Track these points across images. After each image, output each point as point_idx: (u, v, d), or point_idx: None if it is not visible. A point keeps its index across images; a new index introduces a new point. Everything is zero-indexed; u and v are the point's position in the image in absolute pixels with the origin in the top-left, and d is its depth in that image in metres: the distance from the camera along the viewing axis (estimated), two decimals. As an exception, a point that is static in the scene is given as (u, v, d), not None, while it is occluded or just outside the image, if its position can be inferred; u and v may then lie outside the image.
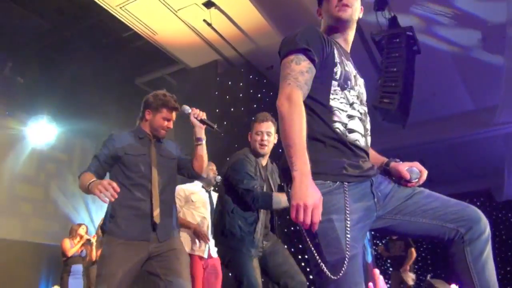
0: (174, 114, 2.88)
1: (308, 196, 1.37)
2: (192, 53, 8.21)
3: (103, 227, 2.65)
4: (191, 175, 2.91)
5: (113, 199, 2.25)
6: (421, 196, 1.70)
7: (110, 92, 8.56)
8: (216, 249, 3.10)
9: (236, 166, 3.05)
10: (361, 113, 1.77)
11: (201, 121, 2.79)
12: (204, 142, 2.84)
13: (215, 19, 7.00)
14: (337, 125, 1.64)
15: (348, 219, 1.47)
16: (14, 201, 7.93)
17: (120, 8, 6.57)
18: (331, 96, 1.67)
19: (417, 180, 1.76)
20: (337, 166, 1.57)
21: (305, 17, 7.68)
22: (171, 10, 6.76)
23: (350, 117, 1.70)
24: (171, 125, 2.85)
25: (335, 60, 1.71)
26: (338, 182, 1.54)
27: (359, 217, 1.53)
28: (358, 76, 1.86)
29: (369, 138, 1.78)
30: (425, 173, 1.79)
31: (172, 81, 9.23)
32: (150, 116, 2.80)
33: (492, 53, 8.10)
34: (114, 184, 2.24)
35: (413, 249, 7.12)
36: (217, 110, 8.49)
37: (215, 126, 2.82)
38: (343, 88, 1.71)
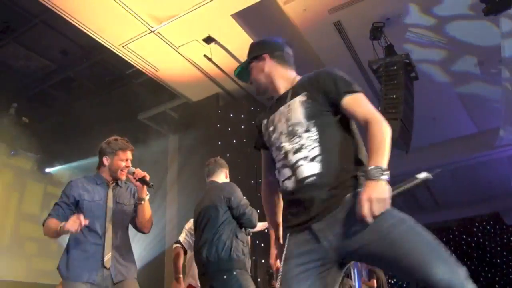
0: (129, 154, 2.99)
1: None
2: (193, 87, 8.35)
3: (58, 270, 2.69)
4: (137, 230, 2.94)
5: (80, 228, 2.45)
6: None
7: (113, 128, 8.63)
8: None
9: (237, 191, 3.23)
10: (284, 154, 1.80)
11: (140, 180, 2.82)
12: (144, 202, 2.87)
13: (215, 54, 7.16)
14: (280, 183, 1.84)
15: (283, 264, 1.68)
16: (18, 241, 7.86)
17: (123, 47, 6.75)
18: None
19: None
20: (284, 220, 1.86)
21: (303, 50, 7.87)
22: (172, 47, 6.94)
23: (278, 171, 1.83)
24: (129, 164, 2.95)
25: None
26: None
27: (301, 261, 1.64)
28: (284, 110, 1.90)
29: (302, 167, 1.73)
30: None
31: (174, 115, 9.34)
32: (108, 162, 2.92)
33: (490, 75, 8.20)
34: (81, 216, 2.42)
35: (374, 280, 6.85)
36: (219, 142, 8.53)
37: (151, 184, 2.85)
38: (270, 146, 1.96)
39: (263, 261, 7.54)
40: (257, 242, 7.65)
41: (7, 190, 8.08)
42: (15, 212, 8.04)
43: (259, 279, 7.35)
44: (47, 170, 8.65)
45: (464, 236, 17.63)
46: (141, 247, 8.12)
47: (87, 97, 7.78)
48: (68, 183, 2.88)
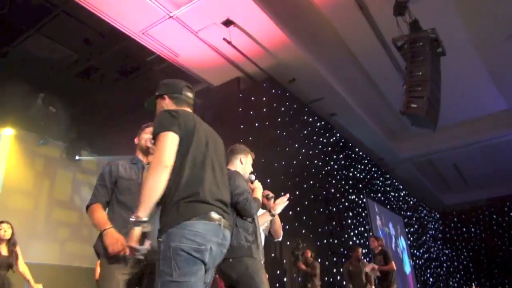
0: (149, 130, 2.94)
1: None
2: (214, 72, 8.32)
3: (96, 249, 2.62)
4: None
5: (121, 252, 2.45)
6: None
7: (136, 115, 8.75)
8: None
9: (233, 179, 3.06)
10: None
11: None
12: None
13: (234, 37, 7.09)
14: None
15: None
16: (51, 227, 8.17)
17: (143, 33, 6.77)
18: None
19: None
20: None
21: (324, 29, 7.69)
22: (191, 32, 6.91)
23: None
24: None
25: None
26: None
27: None
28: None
29: None
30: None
31: (196, 100, 9.34)
32: (137, 140, 2.95)
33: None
34: (126, 247, 2.23)
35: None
36: (241, 126, 8.52)
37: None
38: None
39: (288, 243, 7.58)
40: (281, 224, 7.68)
41: (38, 178, 8.38)
42: (47, 199, 8.34)
43: (284, 261, 7.41)
44: (75, 157, 8.90)
45: (494, 216, 17.18)
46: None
47: (110, 85, 7.88)
48: (106, 164, 2.89)
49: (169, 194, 1.99)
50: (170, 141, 2.07)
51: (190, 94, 2.53)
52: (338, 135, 10.82)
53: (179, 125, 2.15)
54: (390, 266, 6.41)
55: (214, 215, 2.01)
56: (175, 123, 2.14)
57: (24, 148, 8.19)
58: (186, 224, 1.91)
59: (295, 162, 8.51)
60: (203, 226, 1.94)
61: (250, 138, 8.32)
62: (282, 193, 7.79)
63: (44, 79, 7.53)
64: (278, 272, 7.29)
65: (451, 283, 16.65)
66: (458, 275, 17.41)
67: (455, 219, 18.29)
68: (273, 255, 7.38)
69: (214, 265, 2.11)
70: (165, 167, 1.97)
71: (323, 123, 10.16)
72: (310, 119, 9.72)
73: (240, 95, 8.62)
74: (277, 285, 7.19)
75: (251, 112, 8.44)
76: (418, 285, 13.30)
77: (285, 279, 7.24)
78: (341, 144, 10.95)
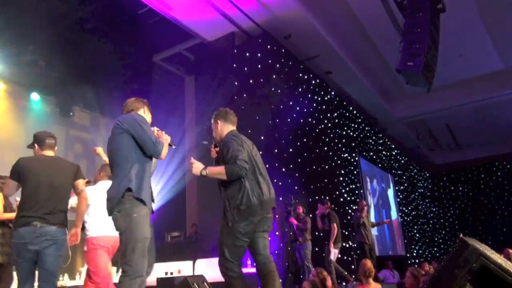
0: None
1: None
2: (208, 26, 8.10)
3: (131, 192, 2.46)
4: None
5: None
6: None
7: (128, 71, 8.60)
8: None
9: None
10: None
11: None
12: None
13: (229, -11, 6.84)
14: None
15: None
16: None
17: (134, -16, 6.50)
18: None
19: None
20: None
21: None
22: (184, -17, 6.64)
23: None
24: None
25: None
26: None
27: None
28: None
29: None
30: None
31: (189, 56, 9.18)
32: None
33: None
34: None
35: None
36: (235, 83, 8.42)
37: (174, 145, 2.92)
38: None
39: (280, 198, 7.75)
40: (275, 180, 7.82)
41: (30, 134, 8.29)
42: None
43: (276, 216, 7.61)
44: (69, 113, 8.80)
45: (482, 175, 17.59)
46: (165, 183, 8.43)
47: (101, 39, 7.65)
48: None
49: None
50: None
51: (52, 141, 3.28)
52: (333, 93, 10.76)
53: None
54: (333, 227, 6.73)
55: None
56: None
57: (15, 103, 8.06)
58: None
59: (289, 119, 8.51)
60: None
61: (244, 95, 8.26)
62: (277, 150, 7.85)
63: (33, 31, 7.28)
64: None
65: (436, 238, 17.30)
66: (443, 232, 18.07)
67: (444, 178, 18.70)
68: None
69: None
70: None
71: (318, 81, 10.07)
72: (305, 77, 9.62)
73: (235, 51, 8.45)
74: (269, 239, 7.42)
75: (246, 69, 8.32)
76: (405, 241, 13.81)
77: (277, 233, 7.46)
78: (335, 102, 10.92)
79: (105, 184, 3.55)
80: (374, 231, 9.11)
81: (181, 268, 6.34)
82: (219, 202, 3.06)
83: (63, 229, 2.90)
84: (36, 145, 3.02)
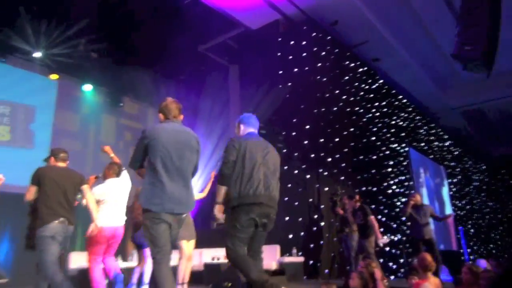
0: None
1: None
2: (252, 14, 8.03)
3: None
4: None
5: None
6: None
7: (174, 61, 8.75)
8: None
9: None
10: None
11: None
12: None
13: (274, -25, 6.72)
14: None
15: None
16: (99, 169, 8.53)
17: (179, -27, 6.55)
18: None
19: None
20: None
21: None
22: (229, -29, 6.60)
23: None
24: None
25: None
26: None
27: None
28: None
29: None
30: None
31: (234, 45, 9.17)
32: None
33: None
34: None
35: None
36: (280, 72, 8.32)
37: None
38: None
39: (326, 189, 7.60)
40: (320, 170, 7.67)
41: (85, 123, 8.72)
42: (94, 142, 8.72)
43: (322, 206, 7.48)
44: (119, 104, 9.13)
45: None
46: (209, 173, 8.52)
47: (148, 30, 7.82)
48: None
49: None
50: None
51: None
52: (381, 81, 10.36)
53: None
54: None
55: None
56: None
57: (69, 94, 8.47)
58: None
59: (335, 108, 8.30)
60: None
61: (289, 84, 8.15)
62: (322, 139, 7.69)
63: (85, 25, 7.58)
64: (316, 216, 7.39)
65: (492, 235, 16.31)
66: (500, 228, 17.00)
67: (502, 171, 17.53)
68: (311, 200, 7.46)
69: None
70: None
71: (365, 68, 9.73)
72: (352, 65, 9.32)
73: (279, 39, 8.34)
74: (314, 229, 7.32)
75: (290, 57, 8.19)
76: (458, 236, 13.14)
77: (322, 224, 7.34)
78: (384, 91, 10.51)
79: (114, 182, 4.17)
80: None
81: (222, 255, 6.42)
82: None
83: (72, 225, 3.45)
84: (52, 157, 3.63)
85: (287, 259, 6.57)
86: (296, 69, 8.05)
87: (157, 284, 2.45)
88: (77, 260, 6.27)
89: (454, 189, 13.95)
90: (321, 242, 7.24)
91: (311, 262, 7.07)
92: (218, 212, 2.90)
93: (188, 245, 4.62)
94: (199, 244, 5.54)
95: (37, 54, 7.59)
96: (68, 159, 3.67)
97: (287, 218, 7.40)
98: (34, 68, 7.91)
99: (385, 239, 6.23)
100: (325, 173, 7.65)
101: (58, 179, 3.40)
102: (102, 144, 8.65)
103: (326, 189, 7.53)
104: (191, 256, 4.64)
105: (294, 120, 8.01)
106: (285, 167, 8.11)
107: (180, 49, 8.69)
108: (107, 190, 4.13)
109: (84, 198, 3.64)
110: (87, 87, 8.69)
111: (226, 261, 6.43)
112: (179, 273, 4.62)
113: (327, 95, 8.15)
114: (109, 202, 4.08)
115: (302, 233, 7.26)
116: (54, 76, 8.16)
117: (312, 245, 7.20)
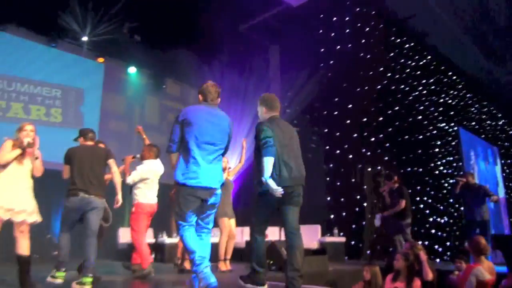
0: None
1: None
2: (293, -9, 7.84)
3: None
4: None
5: None
6: None
7: (215, 42, 8.76)
8: None
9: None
10: None
11: None
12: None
13: None
14: None
15: None
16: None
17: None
18: None
19: None
20: None
21: None
22: None
23: None
24: None
25: None
26: None
27: None
28: None
29: None
30: None
31: (274, 24, 9.02)
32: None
33: None
34: None
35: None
36: (322, 49, 8.12)
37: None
38: None
39: (369, 169, 7.44)
40: (363, 150, 7.50)
41: (130, 104, 9.00)
42: (139, 123, 8.99)
43: (365, 186, 7.34)
44: (162, 86, 9.34)
45: None
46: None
47: (190, 11, 7.86)
48: None
49: None
50: None
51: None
52: (429, 57, 9.85)
53: None
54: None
55: None
56: None
57: (115, 77, 8.75)
58: None
59: (379, 87, 8.01)
60: None
61: (331, 62, 7.94)
62: (365, 119, 7.51)
63: (129, 8, 7.74)
64: (358, 197, 7.26)
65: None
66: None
67: None
68: (353, 180, 7.33)
69: None
70: None
71: (412, 44, 9.26)
72: (398, 40, 8.90)
73: (321, 16, 8.10)
74: (357, 209, 7.21)
75: (333, 34, 7.95)
76: (511, 219, 12.48)
77: (364, 204, 7.21)
78: (432, 67, 9.99)
79: (154, 163, 4.42)
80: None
81: (268, 233, 6.49)
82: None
83: (100, 198, 3.56)
84: (81, 137, 3.82)
85: (328, 239, 6.54)
86: (338, 47, 7.83)
87: (187, 248, 2.74)
88: (126, 235, 6.60)
89: (507, 171, 13.19)
90: (363, 222, 7.13)
91: (352, 242, 6.99)
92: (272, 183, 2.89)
93: (229, 222, 4.71)
94: (241, 223, 5.64)
95: (85, 38, 7.87)
96: (95, 138, 3.86)
97: (328, 198, 7.35)
98: (82, 52, 8.22)
99: (376, 220, 6.01)
100: (368, 153, 7.46)
101: (85, 156, 3.61)
102: (147, 125, 8.99)
103: (369, 169, 7.36)
104: (233, 234, 4.73)
105: (336, 99, 7.83)
106: (327, 147, 8.01)
107: (221, 30, 8.67)
108: (150, 169, 4.37)
109: (111, 173, 3.77)
110: (132, 70, 8.94)
111: (267, 239, 6.50)
112: (221, 250, 4.75)
113: (371, 73, 7.86)
114: (150, 181, 4.32)
115: (344, 214, 7.17)
116: (100, 60, 8.46)
117: (354, 226, 7.11)
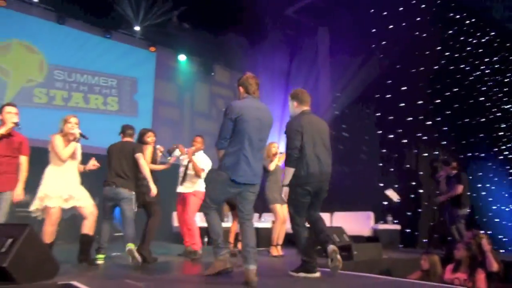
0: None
1: None
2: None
3: None
4: None
5: None
6: None
7: (262, 28, 8.68)
8: None
9: None
10: None
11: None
12: None
13: None
14: None
15: None
16: (194, 135, 8.93)
17: None
18: None
19: None
20: None
21: None
22: None
23: None
24: None
25: None
26: None
27: None
28: None
29: None
30: None
31: (322, 4, 8.74)
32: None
33: None
34: None
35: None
36: (373, 30, 7.78)
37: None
38: None
39: (425, 154, 7.10)
40: (419, 135, 7.17)
41: (180, 92, 9.22)
42: (189, 110, 9.22)
43: (421, 172, 7.02)
44: (209, 71, 9.45)
45: None
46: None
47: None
48: None
49: None
50: None
51: None
52: (492, 33, 9.10)
53: None
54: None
55: None
56: None
57: (166, 65, 8.96)
58: None
59: (436, 67, 7.54)
60: None
61: (384, 43, 7.60)
62: (421, 101, 7.15)
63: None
64: (413, 183, 6.97)
65: None
66: None
67: None
68: (407, 166, 7.04)
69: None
70: None
71: (473, 20, 8.59)
72: (458, 16, 8.28)
73: (372, -6, 7.74)
74: (412, 196, 6.93)
75: (385, 13, 7.58)
76: None
77: (420, 191, 6.91)
78: (495, 44, 9.23)
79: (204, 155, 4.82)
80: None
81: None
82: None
83: (128, 190, 3.86)
84: (121, 134, 4.14)
85: (382, 226, 6.35)
86: (391, 26, 7.45)
87: (212, 229, 3.02)
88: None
89: None
90: (419, 210, 6.84)
91: (407, 230, 6.75)
92: (285, 194, 3.23)
93: (282, 209, 4.71)
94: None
95: (137, 28, 8.12)
96: (133, 134, 4.18)
97: (381, 185, 7.12)
98: (135, 42, 8.50)
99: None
100: (424, 138, 7.11)
101: (115, 152, 3.96)
102: (196, 112, 9.16)
103: (425, 154, 7.02)
104: (285, 220, 4.73)
105: (389, 82, 7.50)
106: (379, 132, 7.72)
107: (268, 14, 8.57)
108: (205, 160, 4.79)
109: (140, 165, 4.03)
110: (182, 57, 9.11)
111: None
112: (274, 235, 4.79)
113: (427, 52, 7.42)
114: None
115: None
116: (152, 49, 8.70)
117: (409, 213, 6.85)
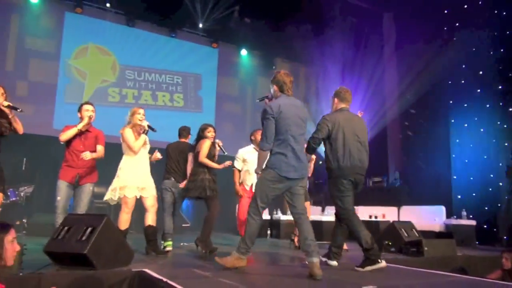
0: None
1: None
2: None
3: None
4: None
5: None
6: None
7: (324, 16, 8.48)
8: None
9: None
10: None
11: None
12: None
13: None
14: None
15: None
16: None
17: None
18: None
19: None
20: None
21: None
22: None
23: None
24: None
25: None
26: None
27: None
28: None
29: None
30: None
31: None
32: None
33: None
34: None
35: None
36: (445, 11, 7.25)
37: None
38: None
39: (506, 144, 6.49)
40: (499, 123, 6.59)
41: (242, 87, 9.34)
42: (251, 105, 9.30)
43: (500, 164, 6.43)
44: (270, 65, 9.43)
45: None
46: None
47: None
48: None
49: None
50: None
51: None
52: None
53: None
54: None
55: None
56: None
57: (228, 60, 9.13)
58: None
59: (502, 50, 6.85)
60: None
61: (457, 24, 7.06)
62: (501, 86, 6.53)
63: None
64: (492, 175, 6.43)
65: None
66: None
67: None
68: (485, 157, 6.51)
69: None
70: None
71: None
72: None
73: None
74: (490, 189, 6.40)
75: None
76: None
77: (500, 184, 6.36)
78: None
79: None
80: None
81: (385, 213, 6.19)
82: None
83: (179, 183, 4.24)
84: (179, 135, 4.55)
85: (455, 221, 5.95)
86: (466, 6, 6.90)
87: (248, 235, 2.92)
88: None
89: None
90: (499, 205, 6.30)
91: (485, 226, 6.26)
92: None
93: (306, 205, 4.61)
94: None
95: (200, 25, 8.37)
96: (187, 135, 4.54)
97: (454, 177, 6.67)
98: (198, 39, 8.75)
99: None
100: (505, 126, 6.52)
101: (171, 151, 4.38)
102: (258, 107, 9.19)
103: (506, 144, 6.44)
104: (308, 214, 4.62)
105: (463, 66, 6.97)
106: (452, 120, 7.21)
107: (329, 2, 8.36)
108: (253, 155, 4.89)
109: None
110: (243, 52, 9.22)
111: (384, 219, 6.21)
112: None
113: (508, 32, 6.76)
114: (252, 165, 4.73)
115: (474, 194, 6.44)
116: (214, 45, 8.91)
117: (486, 208, 6.34)
